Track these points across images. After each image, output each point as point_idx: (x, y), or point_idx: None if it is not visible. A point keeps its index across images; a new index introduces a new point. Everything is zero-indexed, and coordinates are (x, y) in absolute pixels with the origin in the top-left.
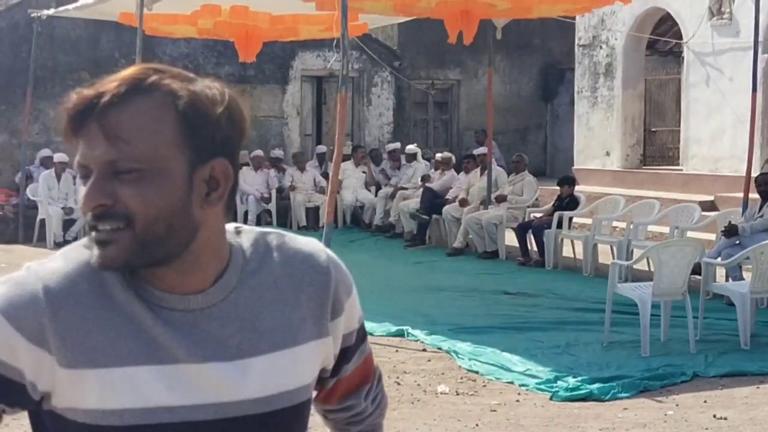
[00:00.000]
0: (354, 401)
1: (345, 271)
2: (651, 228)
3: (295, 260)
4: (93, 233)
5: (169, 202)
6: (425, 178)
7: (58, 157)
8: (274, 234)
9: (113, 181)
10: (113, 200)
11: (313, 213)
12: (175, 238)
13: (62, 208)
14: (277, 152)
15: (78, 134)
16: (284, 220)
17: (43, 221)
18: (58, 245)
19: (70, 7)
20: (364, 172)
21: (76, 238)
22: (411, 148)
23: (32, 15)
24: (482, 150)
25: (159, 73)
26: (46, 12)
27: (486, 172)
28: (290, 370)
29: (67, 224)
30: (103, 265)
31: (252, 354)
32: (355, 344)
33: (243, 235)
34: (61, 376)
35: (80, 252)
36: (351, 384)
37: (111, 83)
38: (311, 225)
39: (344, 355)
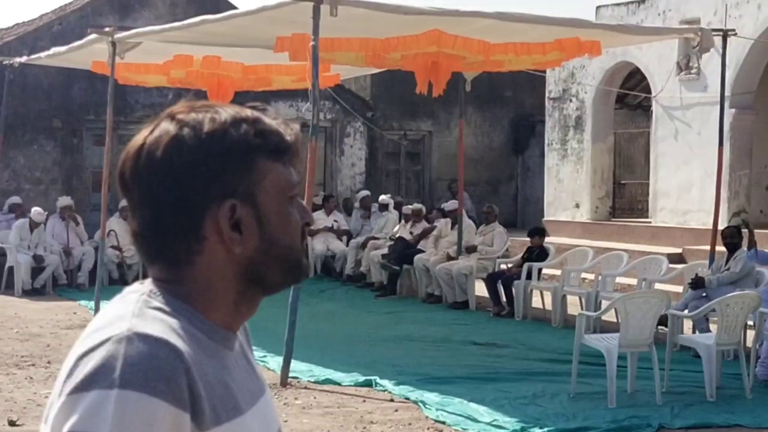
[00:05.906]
0: None
1: None
2: (619, 280)
3: None
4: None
5: None
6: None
7: (36, 215)
8: None
9: None
10: None
11: None
12: None
13: (33, 256)
14: None
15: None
16: None
17: (11, 269)
18: (27, 293)
19: (42, 54)
20: (335, 221)
21: (44, 287)
22: (384, 198)
23: (4, 63)
24: (453, 204)
25: None
26: (18, 60)
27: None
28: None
29: (36, 272)
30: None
31: (263, 390)
32: None
33: None
34: None
35: (154, 313)
36: None
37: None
38: None
39: None
